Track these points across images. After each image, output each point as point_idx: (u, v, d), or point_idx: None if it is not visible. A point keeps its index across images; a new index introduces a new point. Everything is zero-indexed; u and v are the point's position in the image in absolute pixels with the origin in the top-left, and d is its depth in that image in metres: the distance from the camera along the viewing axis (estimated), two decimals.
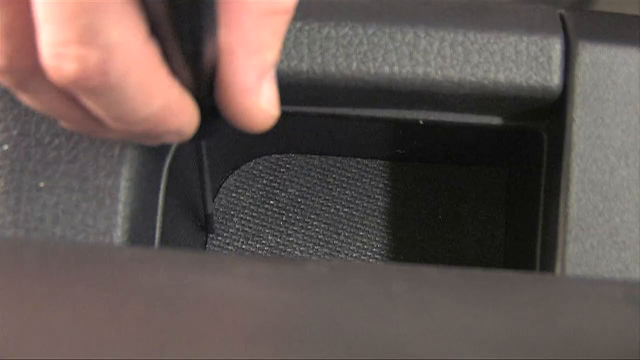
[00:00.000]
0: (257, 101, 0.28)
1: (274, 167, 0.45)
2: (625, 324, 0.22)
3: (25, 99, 0.30)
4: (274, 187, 0.45)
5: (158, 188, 0.37)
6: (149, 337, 0.18)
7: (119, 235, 0.34)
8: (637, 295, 0.25)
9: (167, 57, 0.27)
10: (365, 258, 0.45)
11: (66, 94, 0.28)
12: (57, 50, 0.25)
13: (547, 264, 0.36)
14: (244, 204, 0.45)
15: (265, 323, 0.19)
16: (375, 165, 0.45)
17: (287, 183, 0.45)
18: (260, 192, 0.45)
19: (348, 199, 0.45)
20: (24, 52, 0.27)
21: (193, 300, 0.21)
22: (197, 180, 0.39)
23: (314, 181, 0.45)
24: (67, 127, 0.32)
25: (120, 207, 0.34)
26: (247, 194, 0.45)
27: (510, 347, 0.19)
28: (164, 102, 0.27)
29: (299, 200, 0.45)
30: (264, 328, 0.19)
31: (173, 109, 0.28)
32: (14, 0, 0.26)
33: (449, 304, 0.23)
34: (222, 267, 0.26)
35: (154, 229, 0.37)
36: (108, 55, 0.25)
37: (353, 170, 0.45)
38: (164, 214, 0.37)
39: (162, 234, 0.37)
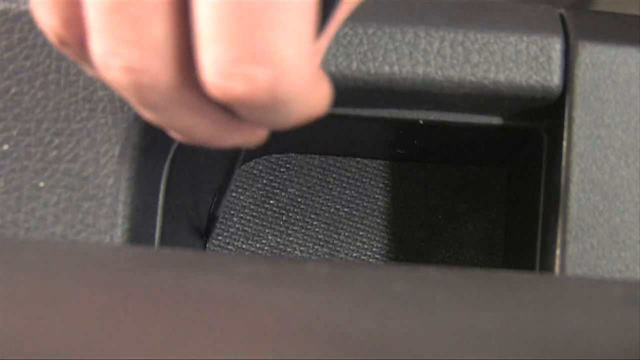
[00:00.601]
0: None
1: (274, 167, 0.45)
2: (625, 324, 0.22)
3: (151, 115, 0.27)
4: (274, 187, 0.45)
5: (158, 188, 0.37)
6: (149, 337, 0.18)
7: (119, 235, 0.34)
8: (637, 295, 0.25)
9: None
10: (365, 258, 0.45)
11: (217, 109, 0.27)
12: (226, 70, 0.24)
13: (547, 264, 0.36)
14: (244, 203, 0.45)
15: (266, 323, 0.19)
16: (375, 165, 0.45)
17: (287, 183, 0.45)
18: (260, 192, 0.45)
19: (348, 198, 0.45)
20: (174, 66, 0.25)
21: (193, 300, 0.21)
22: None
23: (314, 181, 0.45)
24: (184, 140, 0.30)
25: (120, 207, 0.34)
26: (247, 193, 0.45)
27: (510, 347, 0.19)
28: (320, 104, 0.27)
29: (299, 200, 0.45)
30: (264, 328, 0.19)
31: (324, 104, 0.28)
32: (171, 10, 0.24)
33: (449, 304, 0.23)
34: (222, 267, 0.26)
35: (154, 229, 0.37)
36: (279, 73, 0.24)
37: (353, 170, 0.45)
38: (164, 214, 0.37)
39: (162, 234, 0.37)
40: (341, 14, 0.28)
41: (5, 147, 0.34)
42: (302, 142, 0.44)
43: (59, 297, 0.21)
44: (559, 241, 0.35)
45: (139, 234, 0.35)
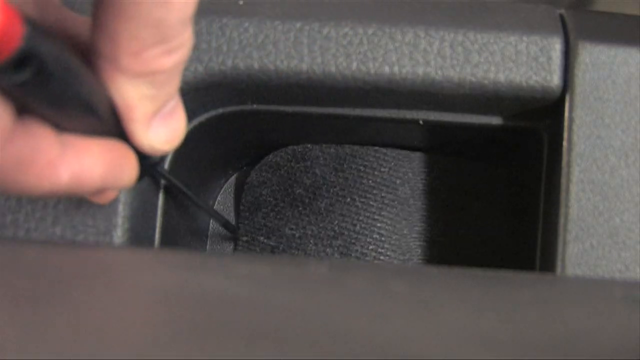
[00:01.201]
0: (146, 140, 0.30)
1: (290, 159, 0.44)
2: (625, 324, 0.22)
3: None
4: (291, 180, 0.44)
5: (158, 188, 0.37)
6: (149, 337, 0.18)
7: (119, 235, 0.34)
8: (637, 295, 0.25)
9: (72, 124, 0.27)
10: (382, 251, 0.44)
11: None
12: None
13: (547, 264, 0.36)
14: (268, 198, 0.44)
15: (265, 323, 0.19)
16: (394, 155, 0.44)
17: (302, 174, 0.44)
18: (280, 185, 0.44)
19: (365, 188, 0.44)
20: None
21: (193, 300, 0.21)
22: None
23: (330, 171, 0.44)
24: None
25: (120, 207, 0.34)
26: (268, 188, 0.44)
27: (510, 347, 0.19)
28: (50, 185, 0.27)
29: (315, 191, 0.44)
30: (264, 328, 0.19)
31: (78, 178, 0.28)
32: None
33: (449, 304, 0.23)
34: (222, 267, 0.26)
35: (154, 229, 0.37)
36: None
37: (370, 159, 0.44)
38: (164, 214, 0.37)
39: (162, 234, 0.37)
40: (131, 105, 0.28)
41: None
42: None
43: (59, 297, 0.21)
44: (559, 241, 0.35)
45: (139, 234, 0.35)
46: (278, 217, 0.44)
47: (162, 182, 0.37)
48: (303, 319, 0.20)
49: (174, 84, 0.29)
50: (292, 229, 0.44)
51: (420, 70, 0.35)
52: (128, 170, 0.30)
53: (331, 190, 0.44)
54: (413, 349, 0.18)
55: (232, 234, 0.44)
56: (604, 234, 0.34)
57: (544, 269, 0.37)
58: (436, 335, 0.20)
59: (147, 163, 0.31)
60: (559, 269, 0.35)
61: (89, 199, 0.32)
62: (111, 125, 0.29)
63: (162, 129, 0.30)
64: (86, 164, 0.28)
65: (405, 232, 0.44)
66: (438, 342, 0.19)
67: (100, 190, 0.29)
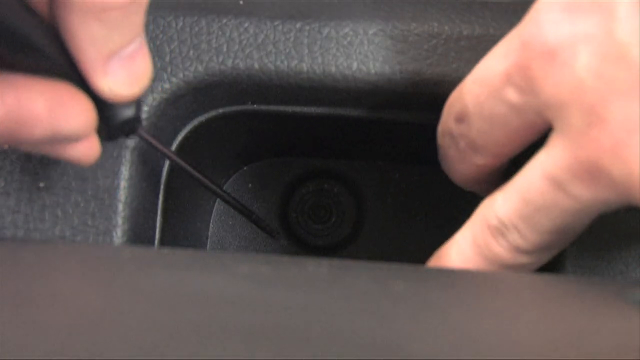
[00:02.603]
0: (104, 83, 0.29)
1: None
2: (625, 324, 0.22)
3: None
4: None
5: (158, 188, 0.37)
6: (149, 337, 0.18)
7: (119, 235, 0.34)
8: (637, 295, 0.25)
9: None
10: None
11: None
12: None
13: (548, 264, 0.36)
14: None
15: (265, 323, 0.19)
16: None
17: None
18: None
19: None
20: None
21: (193, 300, 0.21)
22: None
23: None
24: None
25: (120, 207, 0.34)
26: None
27: (510, 347, 0.19)
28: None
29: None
30: (264, 328, 0.19)
31: (16, 113, 0.27)
32: None
33: (449, 304, 0.23)
34: (222, 267, 0.26)
35: (154, 229, 0.37)
36: None
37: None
38: (164, 214, 0.37)
39: (162, 234, 0.37)
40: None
41: (6, 146, 0.34)
42: (302, 145, 0.44)
43: (59, 297, 0.21)
44: None
45: (139, 234, 0.35)
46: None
47: (162, 183, 0.37)
48: (303, 319, 0.20)
49: (133, 25, 0.28)
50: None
51: (422, 70, 0.35)
52: (77, 111, 0.29)
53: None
54: (413, 349, 0.18)
55: (273, 237, 0.44)
56: (604, 234, 0.34)
57: (544, 269, 0.37)
58: (436, 335, 0.20)
59: (119, 117, 0.30)
60: (559, 269, 0.35)
61: (65, 157, 0.31)
62: (67, 69, 0.28)
63: (122, 71, 0.29)
64: (24, 98, 0.27)
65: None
66: (438, 342, 0.19)
67: (53, 138, 0.29)
